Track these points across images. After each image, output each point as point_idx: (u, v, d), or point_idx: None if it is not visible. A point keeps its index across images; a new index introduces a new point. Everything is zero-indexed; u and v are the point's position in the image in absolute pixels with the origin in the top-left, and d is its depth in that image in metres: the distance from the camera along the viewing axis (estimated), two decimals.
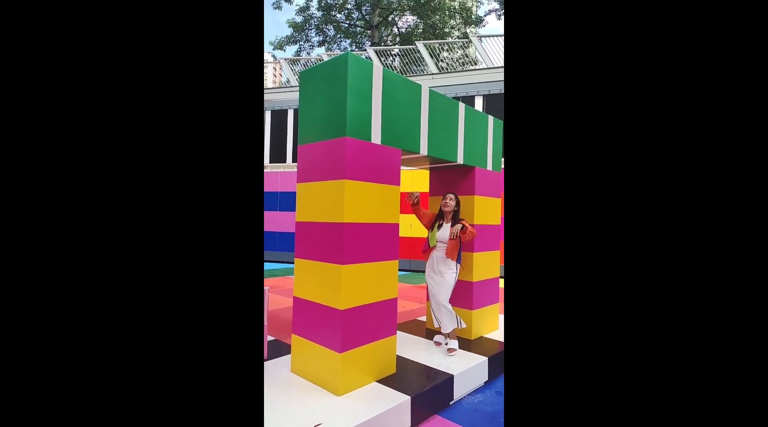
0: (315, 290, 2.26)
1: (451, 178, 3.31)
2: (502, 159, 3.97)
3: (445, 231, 2.83)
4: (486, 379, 2.72)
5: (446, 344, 2.90)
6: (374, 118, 2.27)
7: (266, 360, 2.62)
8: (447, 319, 2.80)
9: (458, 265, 2.85)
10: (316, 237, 2.26)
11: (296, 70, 12.34)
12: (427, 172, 7.12)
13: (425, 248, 2.94)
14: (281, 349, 2.83)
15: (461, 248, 2.88)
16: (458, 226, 2.70)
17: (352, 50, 17.47)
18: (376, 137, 2.28)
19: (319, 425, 1.76)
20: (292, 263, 8.74)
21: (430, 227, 2.93)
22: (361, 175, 2.19)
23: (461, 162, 3.04)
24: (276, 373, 2.37)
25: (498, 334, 3.29)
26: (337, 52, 18.32)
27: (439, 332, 3.08)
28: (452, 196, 2.88)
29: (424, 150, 2.65)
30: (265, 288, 2.75)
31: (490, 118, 3.42)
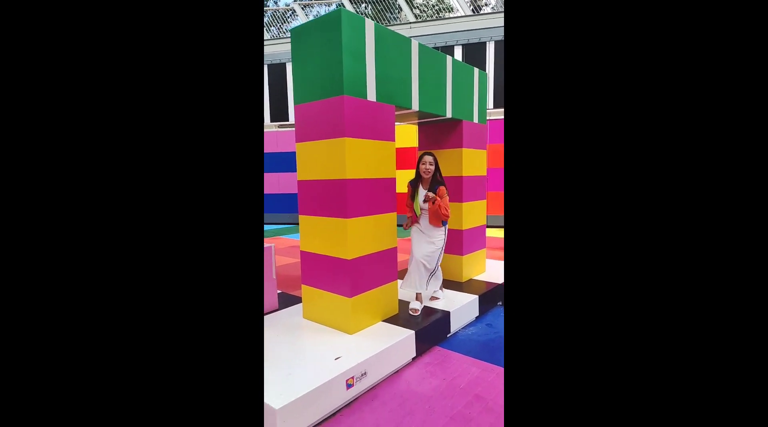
0: (322, 243, 2.42)
1: (439, 132, 3.42)
2: (487, 112, 4.06)
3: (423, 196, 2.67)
4: (477, 314, 3.04)
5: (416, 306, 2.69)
6: (369, 76, 2.32)
7: (277, 310, 2.82)
8: (418, 277, 2.67)
9: (446, 228, 2.75)
10: (320, 194, 2.38)
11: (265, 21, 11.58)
12: (414, 127, 7.05)
13: (414, 217, 2.79)
14: (289, 300, 3.05)
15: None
16: (429, 194, 2.61)
17: None
18: (371, 95, 2.34)
19: (339, 357, 2.00)
20: (287, 223, 8.81)
21: (411, 197, 2.74)
22: (359, 132, 2.28)
23: (450, 116, 3.14)
24: (289, 320, 2.58)
25: (485, 276, 3.60)
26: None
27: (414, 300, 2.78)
28: (431, 160, 2.65)
29: (415, 105, 2.73)
30: (270, 245, 2.90)
31: (476, 70, 3.48)
